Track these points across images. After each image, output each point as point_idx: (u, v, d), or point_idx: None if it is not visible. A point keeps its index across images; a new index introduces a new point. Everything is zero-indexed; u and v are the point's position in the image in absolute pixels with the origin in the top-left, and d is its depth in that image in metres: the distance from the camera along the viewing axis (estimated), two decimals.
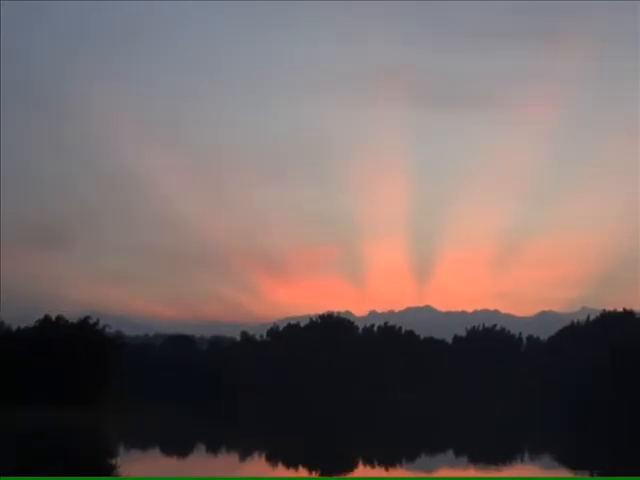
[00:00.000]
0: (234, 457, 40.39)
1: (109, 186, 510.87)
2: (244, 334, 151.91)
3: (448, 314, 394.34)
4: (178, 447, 44.82)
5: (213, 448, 45.37)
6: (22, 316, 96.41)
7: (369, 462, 37.11)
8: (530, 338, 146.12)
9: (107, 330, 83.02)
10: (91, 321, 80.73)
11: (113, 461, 36.70)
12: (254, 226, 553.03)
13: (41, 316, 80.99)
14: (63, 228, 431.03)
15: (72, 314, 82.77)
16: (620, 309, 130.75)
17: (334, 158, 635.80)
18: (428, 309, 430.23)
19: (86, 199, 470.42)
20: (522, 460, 39.44)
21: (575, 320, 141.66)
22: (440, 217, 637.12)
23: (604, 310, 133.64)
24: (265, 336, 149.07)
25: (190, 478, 12.37)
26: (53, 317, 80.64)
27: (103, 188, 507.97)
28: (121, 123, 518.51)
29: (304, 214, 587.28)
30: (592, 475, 31.33)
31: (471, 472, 32.71)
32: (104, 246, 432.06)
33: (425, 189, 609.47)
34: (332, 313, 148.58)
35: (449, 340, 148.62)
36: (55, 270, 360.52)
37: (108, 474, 30.66)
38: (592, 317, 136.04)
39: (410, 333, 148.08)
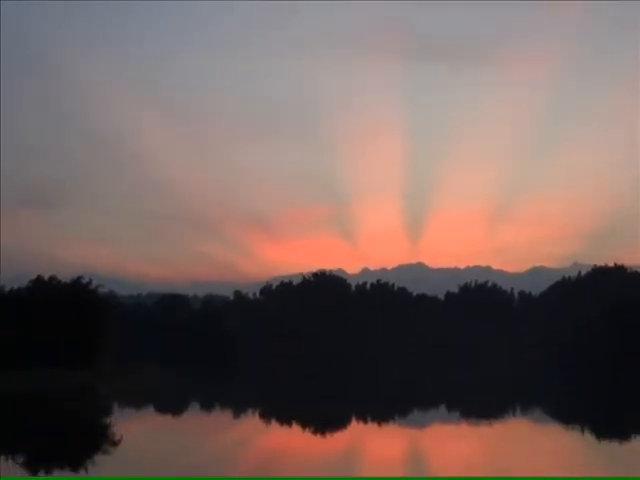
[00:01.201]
0: (228, 415, 40.57)
1: (101, 149, 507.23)
2: (237, 293, 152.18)
3: (440, 271, 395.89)
4: (172, 406, 45.00)
5: (207, 406, 45.60)
6: (15, 277, 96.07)
7: (362, 418, 37.34)
8: (522, 294, 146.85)
9: (100, 290, 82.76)
10: (84, 281, 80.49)
11: (107, 420, 36.83)
12: (245, 186, 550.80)
13: (34, 277, 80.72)
14: (55, 190, 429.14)
15: (65, 275, 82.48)
16: (611, 264, 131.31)
17: (324, 116, 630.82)
18: (420, 266, 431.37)
19: (78, 162, 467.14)
20: (514, 414, 39.76)
21: (567, 275, 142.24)
22: (432, 174, 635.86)
23: (595, 265, 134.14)
24: (258, 295, 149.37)
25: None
26: (46, 277, 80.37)
27: (95, 151, 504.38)
28: (113, 88, 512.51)
29: (295, 173, 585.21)
30: (583, 428, 31.58)
31: (463, 427, 32.97)
32: (96, 208, 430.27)
33: (417, 146, 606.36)
34: (324, 271, 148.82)
35: (441, 297, 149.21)
36: (48, 231, 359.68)
37: (103, 433, 30.76)
38: (583, 272, 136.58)
39: (402, 290, 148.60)
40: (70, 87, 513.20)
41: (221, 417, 39.05)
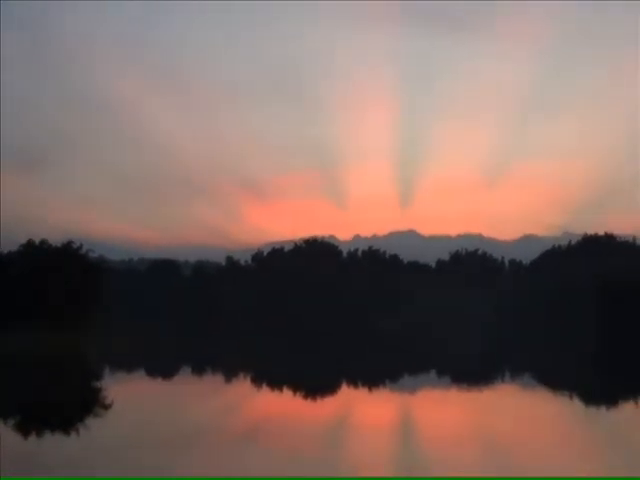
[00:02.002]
0: (219, 378, 40.73)
1: (92, 110, 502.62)
2: (229, 259, 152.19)
3: (431, 238, 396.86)
4: (163, 369, 45.15)
5: (198, 370, 45.78)
6: (4, 241, 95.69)
7: (353, 383, 37.56)
8: (512, 262, 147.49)
9: (90, 255, 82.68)
10: (74, 246, 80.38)
11: (98, 383, 36.94)
12: (236, 150, 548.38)
13: (24, 241, 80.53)
14: (44, 154, 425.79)
15: (55, 239, 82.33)
16: (601, 233, 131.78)
17: (317, 82, 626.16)
18: (412, 233, 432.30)
19: (69, 123, 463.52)
20: (503, 379, 40.08)
21: (557, 244, 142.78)
22: (424, 141, 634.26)
23: (586, 234, 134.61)
24: (250, 261, 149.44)
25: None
26: (37, 242, 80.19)
27: (86, 112, 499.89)
28: (103, 46, 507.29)
29: (287, 139, 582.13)
30: (571, 394, 31.86)
31: (453, 392, 33.23)
32: (87, 171, 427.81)
33: (409, 113, 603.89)
34: (316, 238, 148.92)
35: (432, 264, 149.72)
36: (37, 195, 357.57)
37: (93, 397, 30.84)
38: (574, 241, 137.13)
39: (394, 257, 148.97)
40: (56, 47, 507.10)
41: (212, 381, 39.20)
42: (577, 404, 29.24)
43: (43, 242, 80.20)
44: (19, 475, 12.56)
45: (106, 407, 26.79)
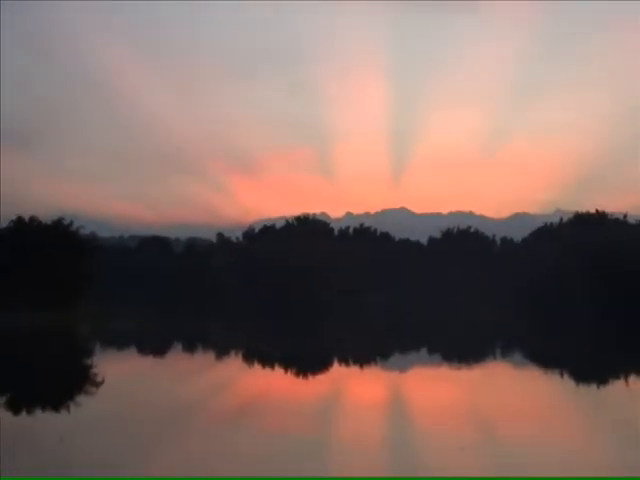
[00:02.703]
0: (210, 356, 40.67)
1: (81, 87, 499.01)
2: (220, 236, 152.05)
3: (423, 216, 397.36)
4: (154, 347, 45.07)
5: (190, 348, 45.71)
6: None
7: (344, 360, 37.56)
8: (504, 240, 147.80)
9: (81, 231, 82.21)
10: (65, 222, 79.89)
11: (89, 361, 36.81)
12: (227, 127, 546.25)
13: (14, 217, 79.93)
14: (35, 130, 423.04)
15: (46, 216, 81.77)
16: (593, 211, 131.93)
17: (309, 59, 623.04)
18: (403, 211, 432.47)
19: (58, 100, 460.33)
20: (494, 357, 40.16)
21: (549, 222, 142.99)
22: (416, 118, 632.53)
23: (577, 212, 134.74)
24: (241, 238, 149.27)
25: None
26: (26, 218, 79.63)
27: (75, 89, 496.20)
28: (91, 24, 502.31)
29: (278, 115, 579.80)
30: (562, 373, 31.91)
31: (444, 369, 33.25)
32: (77, 147, 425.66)
33: (401, 90, 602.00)
34: (307, 215, 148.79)
35: (424, 242, 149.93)
36: (27, 172, 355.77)
37: (84, 374, 30.70)
38: (565, 219, 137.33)
39: (385, 235, 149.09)
40: (50, 23, 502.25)
41: (204, 358, 39.16)
42: (572, 382, 29.29)
43: (33, 219, 79.66)
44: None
45: (97, 384, 26.64)
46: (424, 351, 44.00)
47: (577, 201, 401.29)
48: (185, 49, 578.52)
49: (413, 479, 12.21)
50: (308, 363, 35.58)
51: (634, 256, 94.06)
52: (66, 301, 72.04)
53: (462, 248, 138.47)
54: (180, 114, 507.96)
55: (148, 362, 37.15)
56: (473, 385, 27.07)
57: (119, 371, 32.12)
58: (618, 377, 30.46)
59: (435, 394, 24.91)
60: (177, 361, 37.43)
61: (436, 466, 13.80)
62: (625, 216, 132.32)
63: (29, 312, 62.72)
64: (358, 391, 26.60)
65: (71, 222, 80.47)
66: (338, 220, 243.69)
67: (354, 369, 34.36)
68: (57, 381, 28.69)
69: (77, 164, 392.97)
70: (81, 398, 23.31)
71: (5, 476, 12.19)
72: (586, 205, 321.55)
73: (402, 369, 33.00)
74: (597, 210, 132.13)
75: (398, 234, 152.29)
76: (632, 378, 30.40)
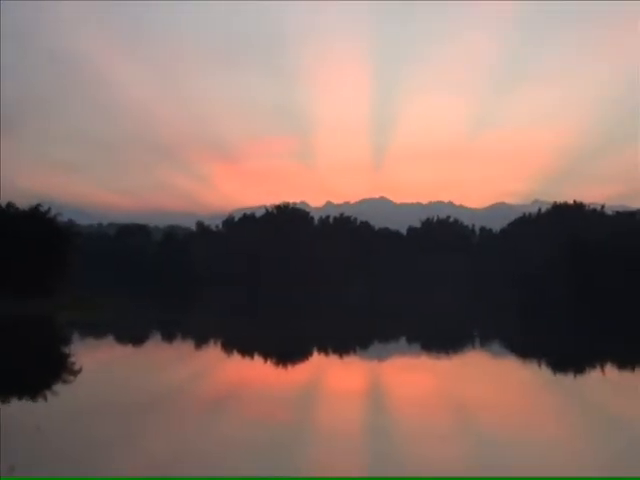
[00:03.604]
0: (190, 345, 40.54)
1: (62, 74, 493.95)
2: (200, 224, 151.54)
3: (403, 205, 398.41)
4: (133, 336, 44.84)
5: (169, 336, 45.52)
6: None
7: (323, 349, 37.59)
8: (483, 229, 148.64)
9: (59, 218, 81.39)
10: (42, 209, 79.09)
11: (66, 349, 36.54)
12: (208, 115, 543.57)
13: None
14: (13, 115, 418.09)
15: (23, 202, 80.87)
16: (571, 202, 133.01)
17: (290, 48, 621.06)
18: (383, 200, 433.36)
19: (38, 86, 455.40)
20: (473, 347, 40.36)
21: (527, 212, 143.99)
22: (397, 107, 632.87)
23: (555, 202, 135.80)
24: (221, 226, 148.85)
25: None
26: (3, 204, 78.75)
27: (55, 75, 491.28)
28: (74, 10, 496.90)
29: (259, 104, 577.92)
30: (540, 363, 32.14)
31: (423, 358, 33.38)
32: (55, 134, 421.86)
33: (382, 80, 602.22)
34: (287, 204, 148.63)
35: (403, 231, 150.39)
36: (4, 157, 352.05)
37: (62, 362, 30.48)
38: (544, 209, 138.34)
39: (365, 224, 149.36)
40: (32, 9, 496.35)
41: (183, 346, 39.03)
42: (548, 369, 29.52)
43: (10, 205, 78.77)
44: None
45: (75, 373, 26.45)
46: (398, 340, 44.13)
47: (555, 191, 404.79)
48: (167, 36, 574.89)
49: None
50: (275, 353, 35.58)
51: (611, 246, 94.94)
52: (43, 289, 71.40)
53: (441, 238, 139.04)
54: (161, 102, 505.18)
55: (126, 351, 36.96)
56: (434, 372, 27.23)
57: (97, 360, 31.91)
58: (589, 364, 30.75)
59: (401, 382, 25.02)
60: (154, 350, 37.28)
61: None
62: (603, 207, 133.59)
63: (5, 300, 62.12)
64: (322, 380, 26.66)
65: (49, 209, 79.71)
66: (318, 209, 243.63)
67: (337, 358, 34.41)
68: (34, 370, 28.45)
69: (56, 151, 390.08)
70: (59, 387, 23.14)
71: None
72: (564, 196, 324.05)
73: (369, 358, 33.06)
74: (575, 201, 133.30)
75: (378, 223, 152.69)
76: (598, 364, 30.75)
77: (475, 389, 23.02)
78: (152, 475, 12.32)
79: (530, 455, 14.02)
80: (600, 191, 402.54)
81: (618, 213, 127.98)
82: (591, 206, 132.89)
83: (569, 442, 15.58)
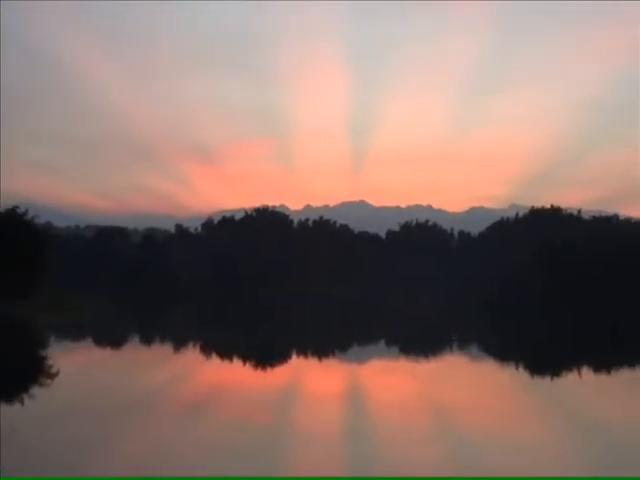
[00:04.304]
0: (168, 348, 40.42)
1: (40, 74, 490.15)
2: (178, 227, 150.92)
3: (382, 209, 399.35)
4: (111, 339, 44.62)
5: (147, 339, 45.35)
6: None
7: (302, 352, 37.65)
8: (461, 233, 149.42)
9: (36, 220, 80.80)
10: (20, 211, 78.50)
11: (43, 352, 36.31)
12: (187, 117, 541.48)
13: None
14: None
15: None
16: (548, 206, 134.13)
17: (270, 51, 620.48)
18: (363, 204, 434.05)
19: (15, 86, 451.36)
20: (451, 350, 40.60)
21: (505, 216, 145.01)
22: (375, 111, 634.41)
23: (532, 207, 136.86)
24: (200, 229, 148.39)
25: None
26: None
27: (34, 75, 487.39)
28: (52, 10, 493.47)
29: (238, 106, 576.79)
30: (517, 365, 32.41)
31: (402, 362, 33.53)
32: (34, 135, 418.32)
33: (361, 83, 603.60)
34: (267, 207, 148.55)
35: (383, 235, 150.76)
36: None
37: (39, 366, 30.30)
38: (521, 213, 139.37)
39: (344, 227, 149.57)
40: (10, 9, 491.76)
41: (161, 350, 38.91)
42: (524, 372, 29.77)
43: None
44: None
45: (52, 376, 26.31)
46: (377, 342, 44.28)
47: (533, 196, 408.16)
48: (147, 38, 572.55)
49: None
50: (266, 356, 35.60)
51: (587, 250, 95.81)
52: (20, 292, 70.78)
53: (420, 241, 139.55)
54: (140, 103, 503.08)
55: (104, 354, 36.80)
56: (407, 373, 27.42)
57: (74, 362, 31.75)
58: (557, 365, 31.09)
59: (376, 383, 25.17)
60: (132, 353, 37.14)
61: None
62: (579, 211, 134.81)
63: None
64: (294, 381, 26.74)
65: (26, 211, 79.14)
66: (297, 212, 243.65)
67: (314, 362, 34.48)
68: (11, 373, 28.24)
69: (34, 152, 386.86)
70: (35, 390, 23.01)
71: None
72: (542, 200, 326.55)
73: (345, 361, 33.16)
74: (552, 205, 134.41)
75: (357, 227, 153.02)
76: (565, 365, 31.18)
77: (447, 389, 23.20)
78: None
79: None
80: (577, 196, 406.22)
81: (595, 218, 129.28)
82: (568, 211, 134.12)
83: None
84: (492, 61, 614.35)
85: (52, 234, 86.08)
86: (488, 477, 12.39)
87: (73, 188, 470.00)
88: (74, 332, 48.58)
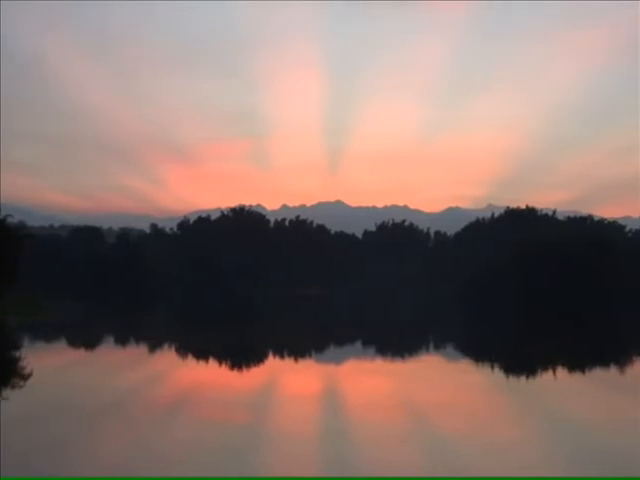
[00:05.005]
0: (143, 349, 40.11)
1: (16, 73, 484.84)
2: (154, 226, 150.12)
3: (359, 209, 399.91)
4: (86, 339, 44.20)
5: (122, 340, 44.98)
6: None
7: (279, 353, 37.54)
8: (438, 233, 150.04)
9: (9, 220, 79.76)
10: None
11: (16, 353, 35.86)
12: (164, 118, 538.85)
13: None
14: None
15: None
16: (523, 206, 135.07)
17: (247, 52, 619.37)
18: (339, 204, 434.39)
19: None
20: (429, 350, 40.71)
21: (481, 216, 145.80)
22: (352, 111, 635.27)
23: (508, 207, 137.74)
24: (175, 229, 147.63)
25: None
26: None
27: (10, 74, 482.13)
28: (31, 10, 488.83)
29: (215, 107, 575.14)
30: (493, 365, 32.54)
31: (379, 362, 33.55)
32: (8, 134, 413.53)
33: (338, 83, 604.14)
34: (243, 207, 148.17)
35: (359, 235, 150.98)
36: None
37: (13, 367, 29.91)
38: (497, 214, 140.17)
39: (321, 227, 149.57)
40: None
41: (136, 351, 38.60)
42: (503, 373, 29.90)
43: None
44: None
45: (25, 377, 25.96)
46: (353, 341, 44.27)
47: (509, 197, 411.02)
48: (124, 39, 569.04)
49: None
50: (242, 357, 35.46)
51: (562, 251, 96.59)
52: None
53: (397, 241, 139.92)
54: (117, 103, 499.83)
55: (77, 354, 36.42)
56: (377, 370, 27.46)
57: (48, 363, 31.39)
58: (524, 362, 31.33)
59: (348, 379, 25.17)
60: (105, 353, 36.82)
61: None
62: (554, 212, 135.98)
63: None
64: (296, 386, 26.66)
65: None
66: (274, 212, 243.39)
67: (289, 362, 34.39)
68: None
69: (8, 151, 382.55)
70: (8, 392, 22.70)
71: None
72: (517, 201, 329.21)
73: (318, 359, 33.14)
74: (527, 206, 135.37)
75: (334, 227, 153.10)
76: (528, 363, 31.52)
77: (416, 388, 23.26)
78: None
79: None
80: (552, 196, 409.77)
81: (569, 218, 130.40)
82: (543, 211, 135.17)
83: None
84: (468, 63, 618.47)
85: (26, 234, 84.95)
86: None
87: (48, 187, 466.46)
88: (48, 333, 48.06)
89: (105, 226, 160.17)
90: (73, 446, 14.83)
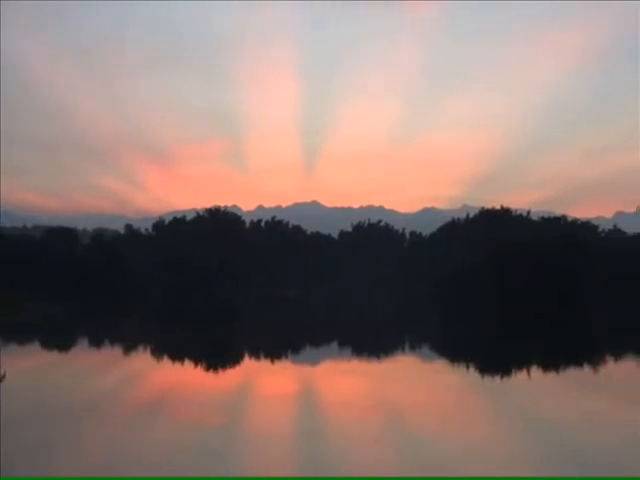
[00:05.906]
0: (117, 351, 39.88)
1: None
2: (128, 227, 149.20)
3: (334, 210, 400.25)
4: (59, 342, 43.86)
5: (96, 342, 44.68)
6: None
7: (254, 354, 37.52)
8: (413, 234, 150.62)
9: None
10: None
11: None
12: (140, 118, 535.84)
13: None
14: None
15: None
16: (498, 207, 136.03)
17: (224, 52, 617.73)
18: (315, 205, 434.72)
19: None
20: (403, 351, 40.89)
21: (456, 217, 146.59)
22: (327, 112, 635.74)
23: (483, 208, 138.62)
24: (150, 229, 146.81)
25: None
26: None
27: None
28: (8, 9, 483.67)
29: (190, 106, 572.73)
30: (468, 365, 32.75)
31: (354, 363, 33.64)
32: None
33: (314, 84, 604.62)
34: (219, 207, 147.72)
35: (335, 235, 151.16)
36: None
37: None
38: (472, 214, 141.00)
39: (297, 228, 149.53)
40: None
41: (111, 353, 38.36)
42: (475, 372, 30.10)
43: None
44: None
45: None
46: (329, 342, 44.34)
47: (484, 197, 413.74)
48: (100, 39, 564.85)
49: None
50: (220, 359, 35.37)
51: (537, 251, 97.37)
52: None
53: (372, 242, 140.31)
54: (92, 103, 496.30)
55: (51, 357, 36.13)
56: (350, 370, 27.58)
57: (21, 366, 31.11)
58: (495, 362, 31.63)
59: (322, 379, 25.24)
60: (79, 355, 36.56)
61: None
62: (528, 212, 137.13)
63: None
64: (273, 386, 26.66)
65: None
66: (250, 213, 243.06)
67: (262, 364, 34.38)
68: None
69: None
70: None
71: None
72: (492, 201, 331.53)
73: (292, 359, 33.19)
74: (502, 206, 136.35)
75: (310, 227, 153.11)
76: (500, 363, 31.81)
77: (388, 386, 23.37)
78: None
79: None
80: (527, 197, 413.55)
81: (543, 219, 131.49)
82: (518, 211, 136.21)
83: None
84: (444, 63, 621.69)
85: None
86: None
87: (21, 188, 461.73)
88: (20, 335, 47.61)
89: (79, 227, 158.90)
90: (49, 448, 14.74)
